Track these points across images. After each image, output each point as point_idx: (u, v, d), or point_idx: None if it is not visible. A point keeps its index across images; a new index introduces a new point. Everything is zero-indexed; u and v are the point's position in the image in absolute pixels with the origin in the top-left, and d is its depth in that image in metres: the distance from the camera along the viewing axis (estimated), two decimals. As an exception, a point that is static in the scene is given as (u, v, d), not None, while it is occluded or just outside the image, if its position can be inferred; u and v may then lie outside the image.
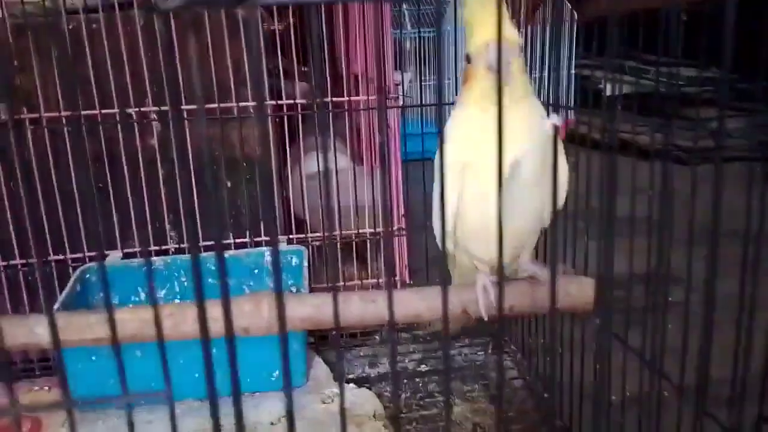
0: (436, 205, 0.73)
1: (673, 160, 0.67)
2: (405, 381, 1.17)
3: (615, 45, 0.33)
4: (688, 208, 0.64)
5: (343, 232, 1.33)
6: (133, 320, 0.64)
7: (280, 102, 1.29)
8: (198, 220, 1.10)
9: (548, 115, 0.78)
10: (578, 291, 0.71)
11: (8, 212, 1.22)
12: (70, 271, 1.22)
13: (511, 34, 0.65)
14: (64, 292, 1.09)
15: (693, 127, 0.84)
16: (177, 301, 1.17)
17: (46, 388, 1.17)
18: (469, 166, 0.66)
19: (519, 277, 0.75)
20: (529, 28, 1.23)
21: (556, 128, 0.34)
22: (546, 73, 1.06)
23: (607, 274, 0.39)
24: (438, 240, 0.75)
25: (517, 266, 0.75)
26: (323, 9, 1.29)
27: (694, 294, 0.68)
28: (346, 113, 1.45)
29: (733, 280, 0.55)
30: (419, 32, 2.85)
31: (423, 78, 2.95)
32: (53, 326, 0.41)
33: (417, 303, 0.69)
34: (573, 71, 2.57)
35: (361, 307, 0.67)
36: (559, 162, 0.34)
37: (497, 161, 0.33)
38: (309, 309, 0.67)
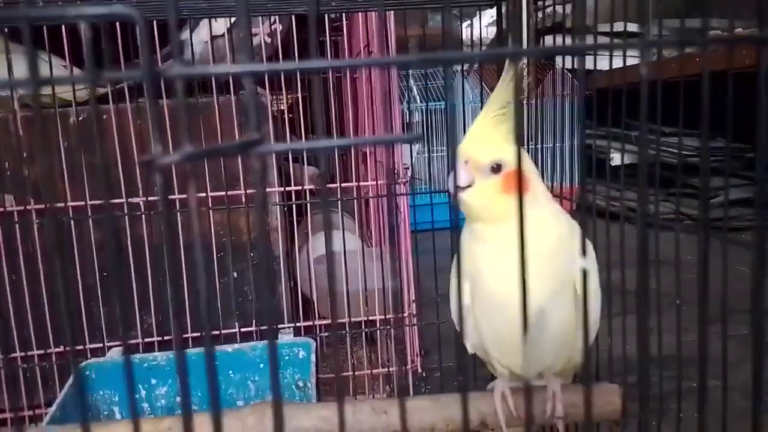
0: (453, 302, 0.68)
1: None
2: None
3: (643, 116, 0.30)
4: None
5: (352, 319, 1.27)
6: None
7: (288, 189, 1.28)
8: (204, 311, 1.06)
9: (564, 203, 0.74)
10: (603, 399, 0.65)
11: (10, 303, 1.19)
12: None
13: (478, 153, 0.59)
14: (63, 391, 1.04)
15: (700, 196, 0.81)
16: (180, 398, 1.11)
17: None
18: (475, 279, 0.62)
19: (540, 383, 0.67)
20: (534, 100, 1.24)
21: (585, 272, 0.30)
22: (549, 144, 1.07)
23: (642, 393, 0.34)
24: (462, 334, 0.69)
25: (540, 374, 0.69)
26: (332, 84, 1.29)
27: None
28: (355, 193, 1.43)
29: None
30: (427, 105, 2.91)
31: (431, 149, 3.00)
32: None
33: (432, 414, 0.62)
34: (576, 141, 2.59)
35: (372, 418, 0.62)
36: (589, 304, 0.30)
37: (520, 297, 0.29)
38: (315, 421, 0.62)
